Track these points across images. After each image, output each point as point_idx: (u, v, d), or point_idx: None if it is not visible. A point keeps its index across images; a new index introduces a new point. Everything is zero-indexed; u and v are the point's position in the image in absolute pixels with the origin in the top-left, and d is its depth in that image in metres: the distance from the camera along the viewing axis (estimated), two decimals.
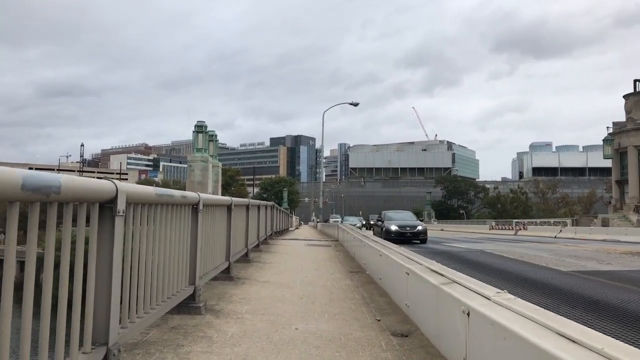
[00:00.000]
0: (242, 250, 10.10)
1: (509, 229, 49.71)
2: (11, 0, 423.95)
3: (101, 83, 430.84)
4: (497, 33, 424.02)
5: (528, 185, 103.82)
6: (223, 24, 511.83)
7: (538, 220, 50.44)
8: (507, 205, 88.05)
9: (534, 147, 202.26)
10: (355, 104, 43.74)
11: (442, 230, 53.96)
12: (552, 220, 47.60)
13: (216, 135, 43.94)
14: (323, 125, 42.12)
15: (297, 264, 10.66)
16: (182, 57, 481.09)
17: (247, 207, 10.47)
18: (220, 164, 45.20)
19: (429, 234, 39.65)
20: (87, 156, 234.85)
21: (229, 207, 7.92)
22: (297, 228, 49.14)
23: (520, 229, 46.77)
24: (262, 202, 13.61)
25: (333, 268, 10.08)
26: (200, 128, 39.05)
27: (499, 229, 52.65)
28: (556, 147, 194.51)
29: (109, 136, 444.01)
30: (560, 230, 38.16)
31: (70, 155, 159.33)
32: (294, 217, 50.53)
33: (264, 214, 15.16)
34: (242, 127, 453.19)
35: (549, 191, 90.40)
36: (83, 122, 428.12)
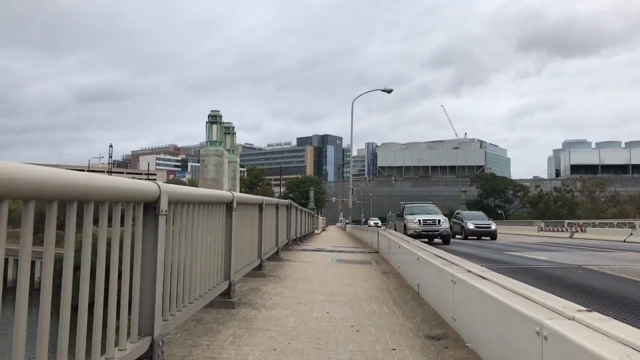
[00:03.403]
0: (217, 287, 5.37)
1: (561, 231, 43.89)
2: (50, 10, 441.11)
3: (134, 87, 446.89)
4: (523, 33, 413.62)
5: (568, 183, 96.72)
6: (250, 29, 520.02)
7: (597, 222, 44.31)
8: (550, 204, 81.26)
9: (570, 144, 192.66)
10: (389, 91, 38.79)
11: None
12: (615, 222, 41.52)
13: (233, 128, 39.33)
14: (352, 114, 37.25)
15: (318, 313, 5.81)
16: (211, 61, 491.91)
17: (230, 206, 5.73)
18: (238, 159, 40.66)
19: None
20: (118, 157, 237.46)
21: (150, 211, 3.22)
22: (323, 230, 44.38)
23: (576, 231, 40.95)
24: (266, 198, 8.82)
25: (389, 326, 5.21)
26: (214, 118, 34.46)
27: (548, 230, 46.78)
28: (596, 144, 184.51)
29: (140, 138, 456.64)
30: (631, 234, 32.44)
31: (102, 157, 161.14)
32: (320, 218, 45.72)
33: (274, 217, 10.39)
34: (270, 129, 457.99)
35: (596, 189, 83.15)
36: (117, 125, 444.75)
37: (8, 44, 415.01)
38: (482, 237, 28.26)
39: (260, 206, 8.16)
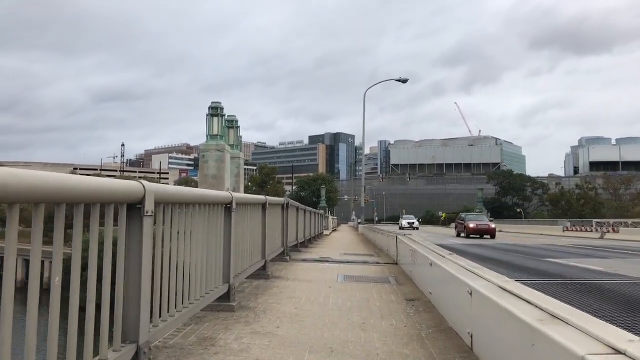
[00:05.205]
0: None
1: (590, 231, 40.55)
2: (68, 13, 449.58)
3: (149, 88, 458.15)
4: (536, 30, 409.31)
5: (589, 180, 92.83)
6: (264, 29, 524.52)
7: (629, 221, 41.11)
8: (572, 202, 77.61)
9: (588, 140, 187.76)
10: (404, 80, 35.97)
11: (500, 231, 41.40)
12: None
13: (237, 121, 36.72)
14: (364, 105, 34.52)
15: None
16: (226, 61, 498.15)
17: (139, 208, 3.10)
18: (241, 155, 37.97)
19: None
20: (132, 156, 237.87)
21: None
22: (334, 230, 41.68)
23: (607, 231, 37.73)
24: (240, 196, 6.16)
25: None
26: (215, 110, 31.76)
27: (575, 230, 43.32)
28: (616, 140, 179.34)
29: (155, 138, 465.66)
30: None
31: (116, 156, 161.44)
32: (330, 218, 42.96)
33: (259, 221, 7.74)
34: (283, 128, 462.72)
35: (621, 186, 79.35)
36: (132, 124, 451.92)
37: (27, 46, 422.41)
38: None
39: (227, 207, 5.50)
